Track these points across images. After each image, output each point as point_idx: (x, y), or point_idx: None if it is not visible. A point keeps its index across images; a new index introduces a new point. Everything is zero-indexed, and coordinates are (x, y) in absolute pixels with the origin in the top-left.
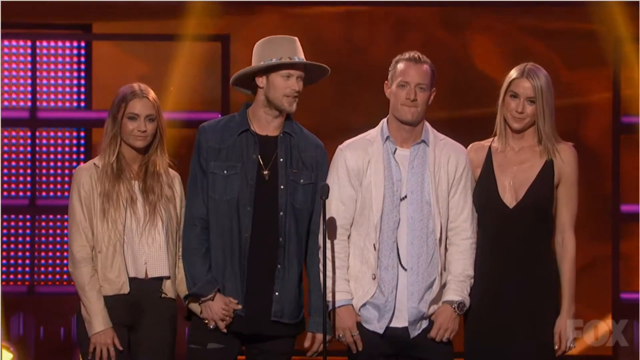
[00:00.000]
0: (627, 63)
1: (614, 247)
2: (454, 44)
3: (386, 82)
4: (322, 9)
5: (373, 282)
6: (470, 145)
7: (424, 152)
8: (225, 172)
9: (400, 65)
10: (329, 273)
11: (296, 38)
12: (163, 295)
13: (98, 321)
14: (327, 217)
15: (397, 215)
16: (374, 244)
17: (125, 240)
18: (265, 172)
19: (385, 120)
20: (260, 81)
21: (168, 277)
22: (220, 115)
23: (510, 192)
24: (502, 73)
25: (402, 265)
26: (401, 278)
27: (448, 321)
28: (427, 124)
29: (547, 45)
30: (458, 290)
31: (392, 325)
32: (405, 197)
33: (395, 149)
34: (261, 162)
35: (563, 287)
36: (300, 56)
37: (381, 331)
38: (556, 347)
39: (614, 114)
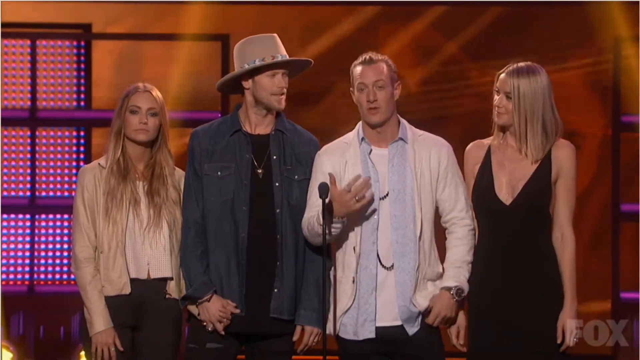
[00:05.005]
0: (627, 63)
1: (614, 247)
2: (364, 42)
3: (350, 89)
4: (233, 7)
5: (353, 285)
6: (472, 143)
7: (403, 149)
8: (219, 173)
9: (356, 70)
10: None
11: (275, 35)
12: (167, 296)
13: (99, 321)
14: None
15: (376, 216)
16: (353, 247)
17: (127, 241)
18: (259, 171)
19: (360, 122)
20: (247, 83)
21: (171, 278)
22: (220, 115)
23: (507, 189)
24: (412, 72)
25: (382, 265)
26: (382, 278)
27: (445, 308)
28: (403, 121)
29: (459, 45)
30: (455, 276)
31: (381, 324)
32: (387, 195)
33: (371, 150)
34: (254, 161)
35: (564, 282)
36: (281, 52)
37: (372, 335)
38: (559, 341)
39: (614, 113)
